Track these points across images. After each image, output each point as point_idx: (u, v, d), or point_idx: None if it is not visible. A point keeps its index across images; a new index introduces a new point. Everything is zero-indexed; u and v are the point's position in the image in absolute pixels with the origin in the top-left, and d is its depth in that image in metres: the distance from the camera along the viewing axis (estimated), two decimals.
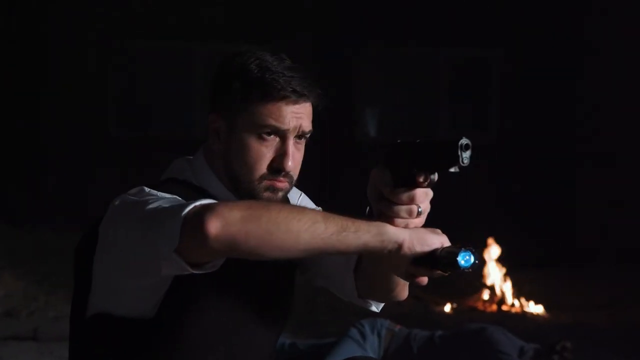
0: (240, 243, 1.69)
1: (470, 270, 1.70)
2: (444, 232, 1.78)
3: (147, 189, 1.91)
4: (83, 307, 2.02)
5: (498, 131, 11.22)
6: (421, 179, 1.76)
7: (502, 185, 10.78)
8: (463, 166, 1.71)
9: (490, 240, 7.95)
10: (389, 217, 1.77)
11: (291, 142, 1.94)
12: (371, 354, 4.74)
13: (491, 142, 11.21)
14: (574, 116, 10.96)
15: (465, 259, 1.68)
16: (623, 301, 7.81)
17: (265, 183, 1.94)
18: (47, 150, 10.52)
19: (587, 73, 10.78)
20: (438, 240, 1.74)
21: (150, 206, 1.82)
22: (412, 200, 1.76)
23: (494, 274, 7.71)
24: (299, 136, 1.97)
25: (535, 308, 7.44)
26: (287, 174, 1.95)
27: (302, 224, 1.68)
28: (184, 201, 1.81)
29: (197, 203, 1.76)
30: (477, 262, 1.70)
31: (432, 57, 11.18)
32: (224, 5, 10.55)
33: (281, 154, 1.94)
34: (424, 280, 1.78)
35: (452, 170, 1.72)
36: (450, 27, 10.88)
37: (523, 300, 7.54)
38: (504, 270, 7.79)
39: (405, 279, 1.81)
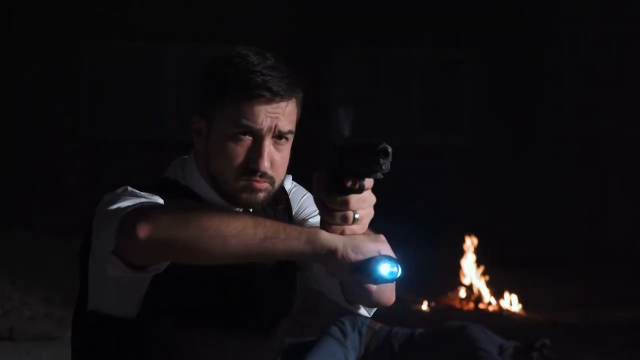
0: (168, 247, 1.70)
1: (392, 282, 1.65)
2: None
3: (129, 189, 1.90)
4: (84, 305, 2.02)
5: (472, 132, 11.29)
6: (349, 184, 1.69)
7: (477, 185, 10.85)
8: (384, 172, 1.64)
9: (467, 239, 8.00)
10: (325, 223, 1.72)
11: (267, 143, 1.91)
12: (352, 352, 4.75)
13: (465, 143, 11.28)
14: (545, 115, 11.06)
15: (390, 271, 1.62)
16: (596, 301, 7.89)
17: (242, 183, 1.92)
18: (20, 150, 10.46)
19: (556, 75, 10.91)
20: (375, 247, 1.67)
21: (113, 206, 1.82)
22: (346, 206, 1.68)
23: (471, 273, 7.76)
24: (278, 136, 1.93)
25: (511, 306, 7.49)
26: (264, 175, 1.91)
27: (230, 229, 1.67)
28: (154, 202, 1.83)
29: (138, 205, 1.77)
30: (398, 274, 1.63)
31: (406, 58, 11.23)
32: (195, 5, 10.54)
33: (256, 155, 1.91)
34: (373, 287, 1.72)
35: (375, 176, 1.65)
36: (424, 28, 10.93)
37: (499, 298, 7.59)
38: (480, 269, 7.85)
39: (352, 285, 1.79)
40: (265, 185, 1.92)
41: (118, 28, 10.48)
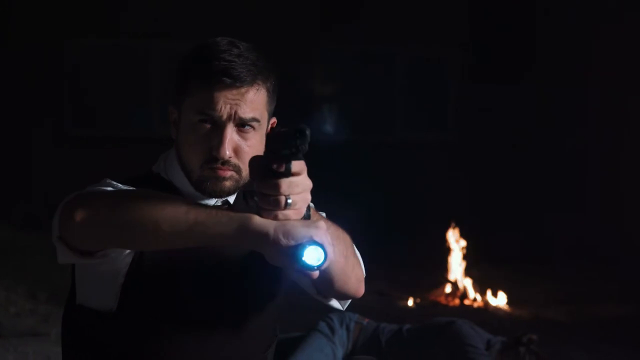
0: (104, 232, 1.71)
1: (316, 269, 1.62)
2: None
3: (108, 180, 1.92)
4: (73, 300, 2.02)
5: (456, 129, 11.32)
6: (276, 168, 1.66)
7: (462, 182, 10.88)
8: (303, 153, 1.63)
9: (451, 235, 8.02)
10: (260, 209, 1.69)
11: (228, 130, 1.89)
12: (340, 348, 4.76)
13: (449, 140, 11.30)
14: (531, 112, 11.10)
15: (317, 258, 1.59)
16: (581, 298, 7.92)
17: (207, 172, 1.92)
18: (2, 147, 10.40)
19: (539, 69, 10.95)
20: (307, 233, 1.63)
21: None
22: (277, 191, 1.65)
23: (456, 269, 7.78)
24: (241, 124, 1.91)
25: (497, 302, 7.52)
26: (227, 162, 1.91)
27: (162, 214, 1.67)
28: (98, 189, 1.84)
29: (81, 192, 1.79)
30: (322, 262, 1.61)
31: (389, 55, 11.24)
32: (179, 3, 10.52)
33: (217, 142, 1.89)
34: (315, 274, 1.67)
35: (295, 157, 1.64)
36: (407, 25, 10.95)
37: (485, 294, 7.61)
38: (465, 265, 7.87)
39: (294, 272, 1.78)
40: (229, 173, 1.92)
41: (101, 25, 10.45)
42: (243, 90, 1.89)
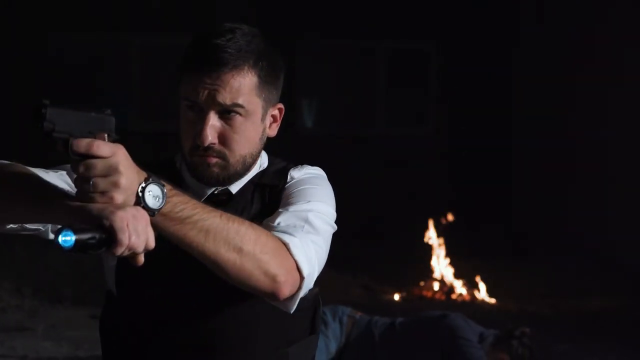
0: None
1: (69, 251, 1.47)
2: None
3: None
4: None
5: (436, 122, 11.37)
6: (60, 148, 1.55)
7: (443, 176, 10.93)
8: (43, 130, 1.50)
9: (434, 230, 8.06)
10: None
11: (210, 116, 1.84)
12: (333, 341, 4.77)
13: (429, 134, 11.35)
14: (509, 108, 11.17)
15: (64, 240, 1.43)
16: (564, 291, 7.99)
17: (195, 159, 1.89)
18: None
19: (518, 63, 11.01)
20: (93, 216, 1.49)
21: None
22: (75, 171, 1.54)
23: (440, 263, 7.82)
24: (225, 110, 1.86)
25: (482, 296, 7.57)
26: (209, 149, 1.87)
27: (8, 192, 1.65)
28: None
29: None
30: (77, 246, 1.44)
31: (369, 49, 11.26)
32: None
33: (199, 128, 1.85)
34: (139, 259, 1.54)
35: (57, 137, 1.52)
36: (387, 19, 10.98)
37: (470, 288, 7.66)
38: (449, 259, 7.92)
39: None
40: (214, 160, 1.88)
41: (83, 19, 10.40)
42: (223, 75, 1.84)
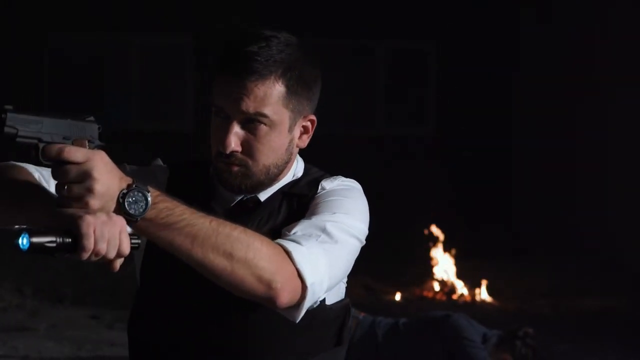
0: None
1: (29, 254, 1.47)
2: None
3: (154, 163, 1.97)
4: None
5: (436, 122, 11.37)
6: (32, 153, 1.53)
7: (443, 176, 10.92)
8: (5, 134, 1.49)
9: (434, 230, 8.06)
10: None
11: (234, 124, 1.83)
12: None
13: (429, 134, 11.35)
14: (509, 108, 11.17)
15: (21, 242, 1.44)
16: (564, 291, 8.00)
17: (220, 165, 1.88)
18: None
19: (518, 63, 11.01)
20: (62, 222, 1.49)
21: None
22: (54, 177, 1.54)
23: (441, 263, 7.83)
24: (249, 120, 1.83)
25: (484, 296, 7.57)
26: (232, 156, 1.85)
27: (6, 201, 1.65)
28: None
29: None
30: (32, 249, 1.44)
31: (369, 49, 11.26)
32: None
33: (222, 136, 1.84)
34: (114, 265, 1.54)
35: (23, 142, 1.49)
36: (387, 19, 10.97)
37: (471, 288, 7.67)
38: (450, 259, 7.91)
39: None
40: (235, 168, 1.87)
41: (83, 19, 10.40)
42: (248, 83, 1.81)
